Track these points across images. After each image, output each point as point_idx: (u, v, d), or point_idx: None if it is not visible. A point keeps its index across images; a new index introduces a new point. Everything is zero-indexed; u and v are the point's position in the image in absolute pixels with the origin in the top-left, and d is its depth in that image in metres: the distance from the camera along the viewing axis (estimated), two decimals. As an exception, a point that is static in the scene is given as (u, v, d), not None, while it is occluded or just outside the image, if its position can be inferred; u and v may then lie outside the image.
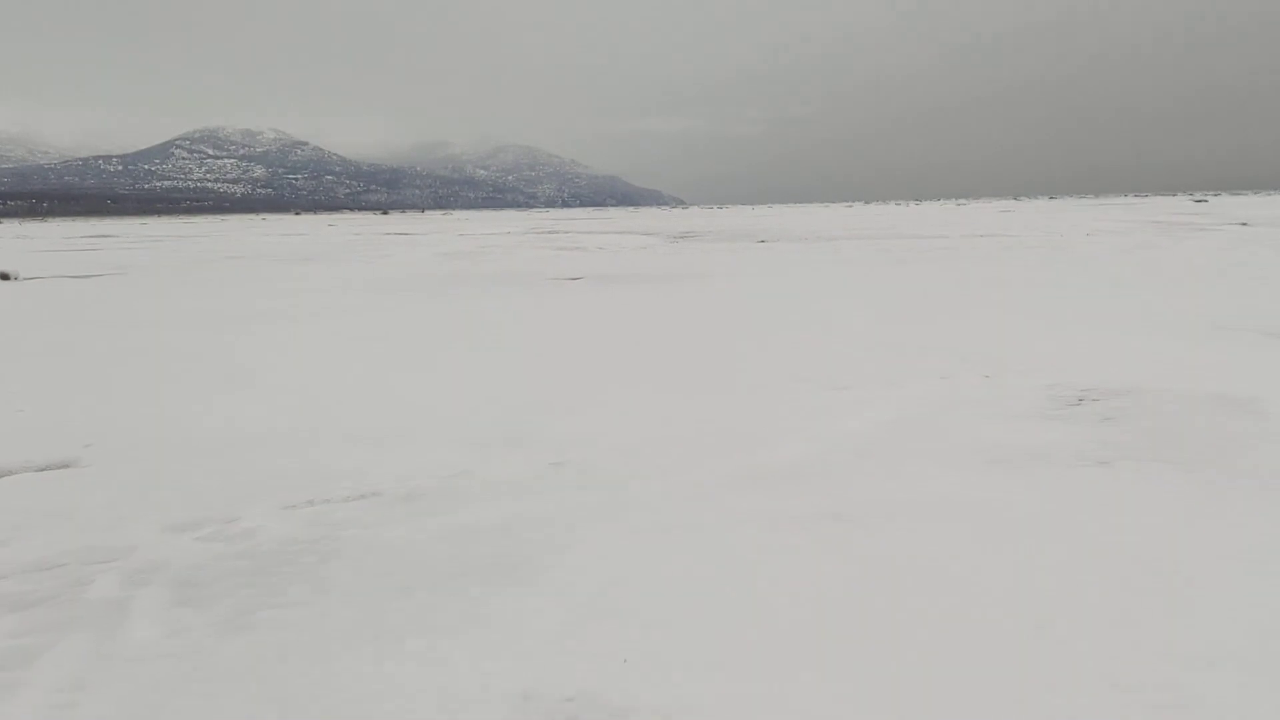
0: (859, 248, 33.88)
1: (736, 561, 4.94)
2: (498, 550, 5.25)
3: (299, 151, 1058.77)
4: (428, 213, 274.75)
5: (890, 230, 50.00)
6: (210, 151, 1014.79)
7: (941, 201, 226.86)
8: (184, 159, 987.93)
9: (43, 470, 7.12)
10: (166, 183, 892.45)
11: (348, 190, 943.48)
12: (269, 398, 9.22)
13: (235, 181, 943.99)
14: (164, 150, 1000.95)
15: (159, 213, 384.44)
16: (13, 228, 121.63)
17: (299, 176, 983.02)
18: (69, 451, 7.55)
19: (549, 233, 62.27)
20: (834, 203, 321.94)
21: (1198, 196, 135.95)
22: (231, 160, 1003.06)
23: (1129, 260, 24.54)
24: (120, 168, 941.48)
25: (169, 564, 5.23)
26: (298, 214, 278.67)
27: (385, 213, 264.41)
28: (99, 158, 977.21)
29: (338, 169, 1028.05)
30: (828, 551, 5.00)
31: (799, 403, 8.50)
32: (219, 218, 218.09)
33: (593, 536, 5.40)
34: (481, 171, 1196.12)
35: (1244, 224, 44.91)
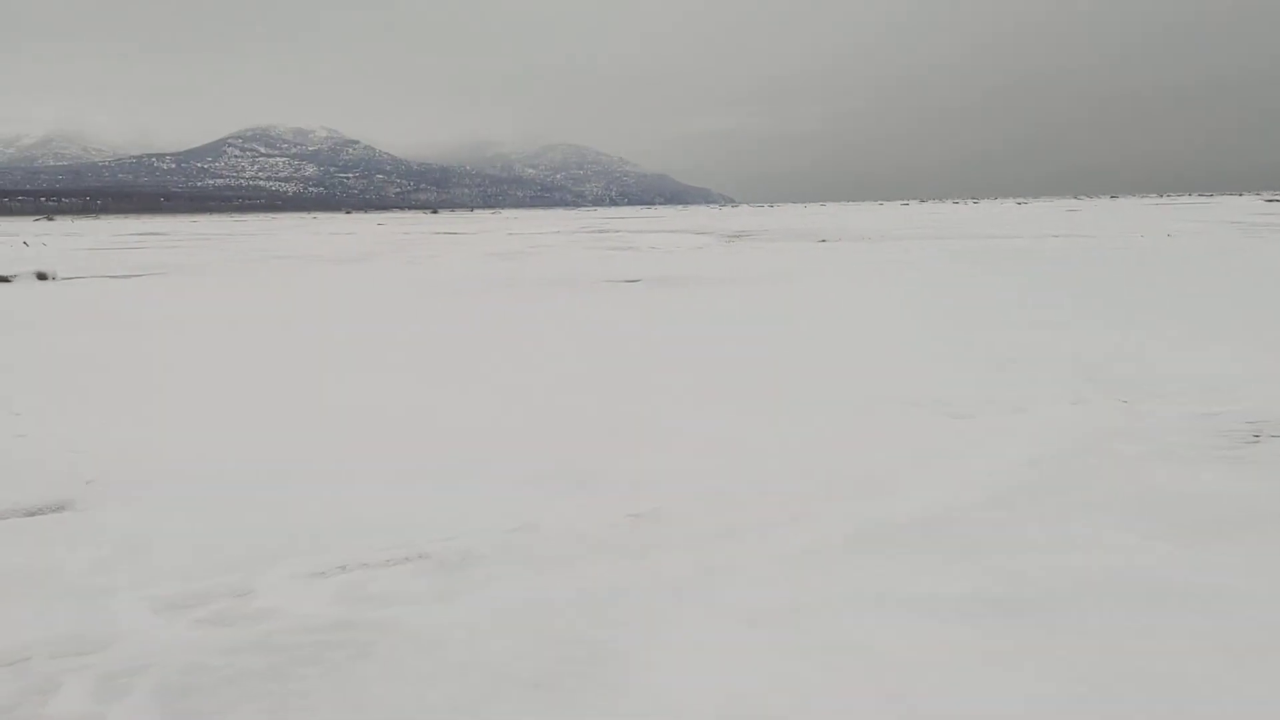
0: (930, 248, 32.39)
1: (890, 677, 3.71)
2: (576, 645, 4.08)
3: (350, 150, 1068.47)
4: (476, 211, 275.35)
5: (957, 229, 48.31)
6: (262, 150, 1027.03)
7: (1000, 200, 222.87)
8: (236, 157, 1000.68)
9: (32, 515, 6.05)
10: (219, 181, 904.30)
11: (398, 189, 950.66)
12: (296, 421, 8.11)
13: (287, 180, 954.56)
14: (216, 148, 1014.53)
15: (211, 211, 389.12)
16: (65, 225, 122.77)
17: (350, 175, 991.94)
18: (67, 489, 6.48)
19: (599, 231, 61.21)
20: (888, 201, 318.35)
21: (1268, 197, 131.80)
22: (283, 159, 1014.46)
23: (1227, 262, 22.88)
24: (173, 166, 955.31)
25: (158, 661, 4.10)
26: (348, 213, 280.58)
27: (434, 211, 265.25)
28: (152, 156, 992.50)
29: (388, 168, 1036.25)
30: (1019, 666, 3.76)
31: (914, 433, 7.24)
32: (270, 216, 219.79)
33: (694, 624, 4.21)
34: (530, 170, 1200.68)
35: (1328, 223, 42.78)
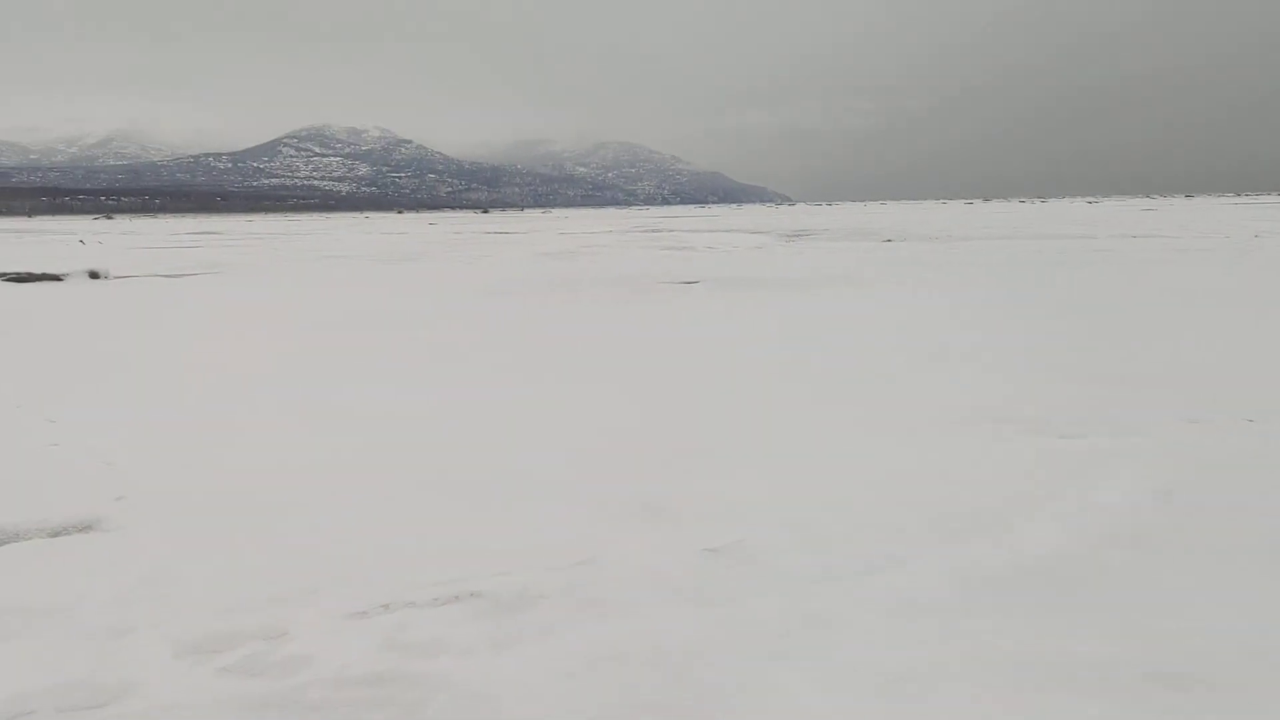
0: (1002, 249, 31.39)
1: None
2: (655, 715, 3.48)
3: (403, 150, 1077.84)
4: (526, 211, 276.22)
5: (1027, 229, 47.05)
6: (317, 149, 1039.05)
7: (1069, 199, 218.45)
8: (291, 157, 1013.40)
9: (56, 535, 5.57)
10: (274, 180, 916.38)
11: (449, 188, 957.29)
12: (341, 437, 7.57)
13: (341, 179, 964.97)
14: (272, 148, 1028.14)
15: (266, 210, 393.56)
16: (122, 223, 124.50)
17: (402, 175, 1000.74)
18: (96, 506, 6.00)
19: (652, 231, 60.58)
20: (949, 200, 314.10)
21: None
22: (337, 158, 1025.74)
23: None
24: (229, 165, 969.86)
25: (173, 722, 3.57)
26: (400, 212, 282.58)
27: (485, 211, 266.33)
28: (209, 155, 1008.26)
29: (440, 167, 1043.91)
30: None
31: (1020, 458, 6.54)
32: (324, 215, 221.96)
33: (792, 690, 3.59)
34: (581, 169, 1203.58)
35: None
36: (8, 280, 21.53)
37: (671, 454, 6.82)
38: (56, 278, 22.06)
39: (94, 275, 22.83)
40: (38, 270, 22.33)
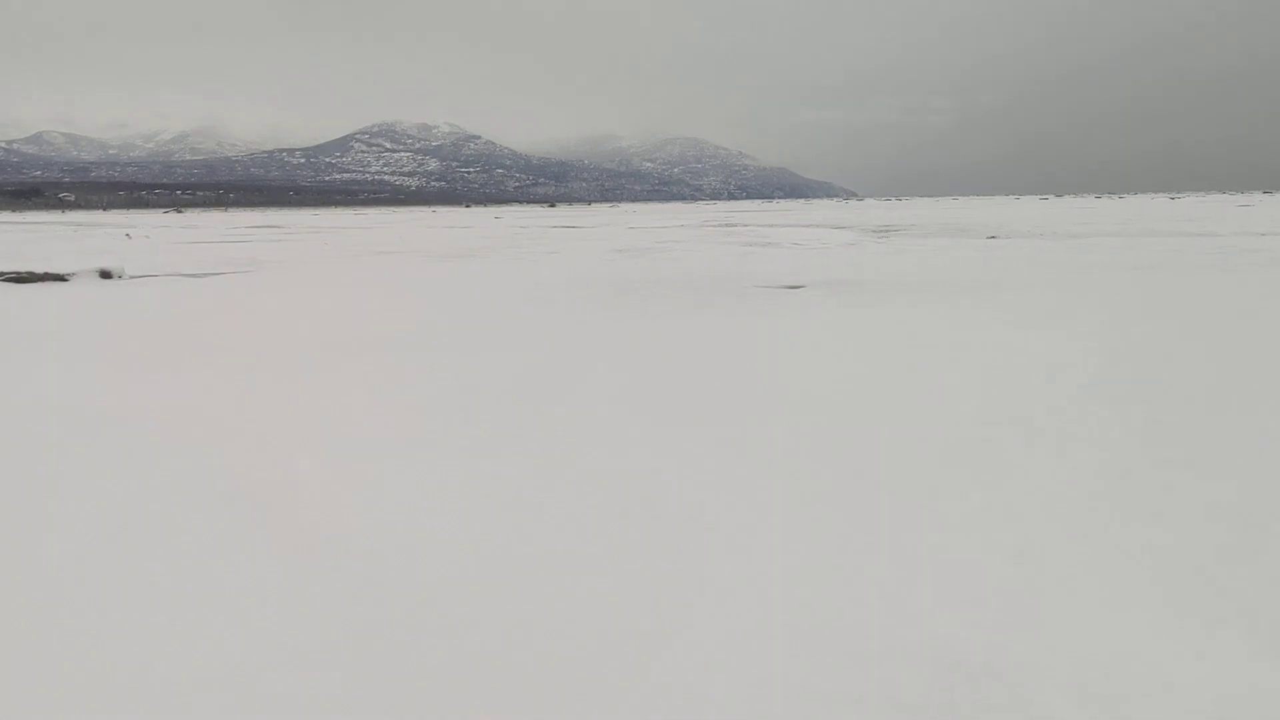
0: (1128, 247, 27.45)
1: None
2: None
3: (471, 145, 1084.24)
4: (594, 205, 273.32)
5: (1133, 225, 42.74)
6: (387, 145, 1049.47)
7: (1151, 195, 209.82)
8: (363, 152, 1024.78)
9: None
10: (345, 175, 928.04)
11: (517, 183, 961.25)
12: (314, 539, 4.32)
13: (411, 174, 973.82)
14: (344, 144, 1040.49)
15: (337, 204, 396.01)
16: (190, 217, 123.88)
17: (471, 170, 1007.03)
18: None
19: (726, 226, 57.11)
20: (1020, 195, 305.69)
21: None
22: (407, 154, 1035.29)
23: None
24: (302, 160, 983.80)
25: None
26: (467, 206, 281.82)
27: (552, 205, 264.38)
28: (282, 150, 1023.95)
29: (508, 162, 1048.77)
30: None
31: None
32: (391, 209, 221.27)
33: None
34: (647, 164, 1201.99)
35: None
36: (6, 280, 18.79)
37: (839, 571, 3.43)
38: (61, 277, 19.26)
39: (106, 275, 20.01)
40: (40, 270, 19.53)
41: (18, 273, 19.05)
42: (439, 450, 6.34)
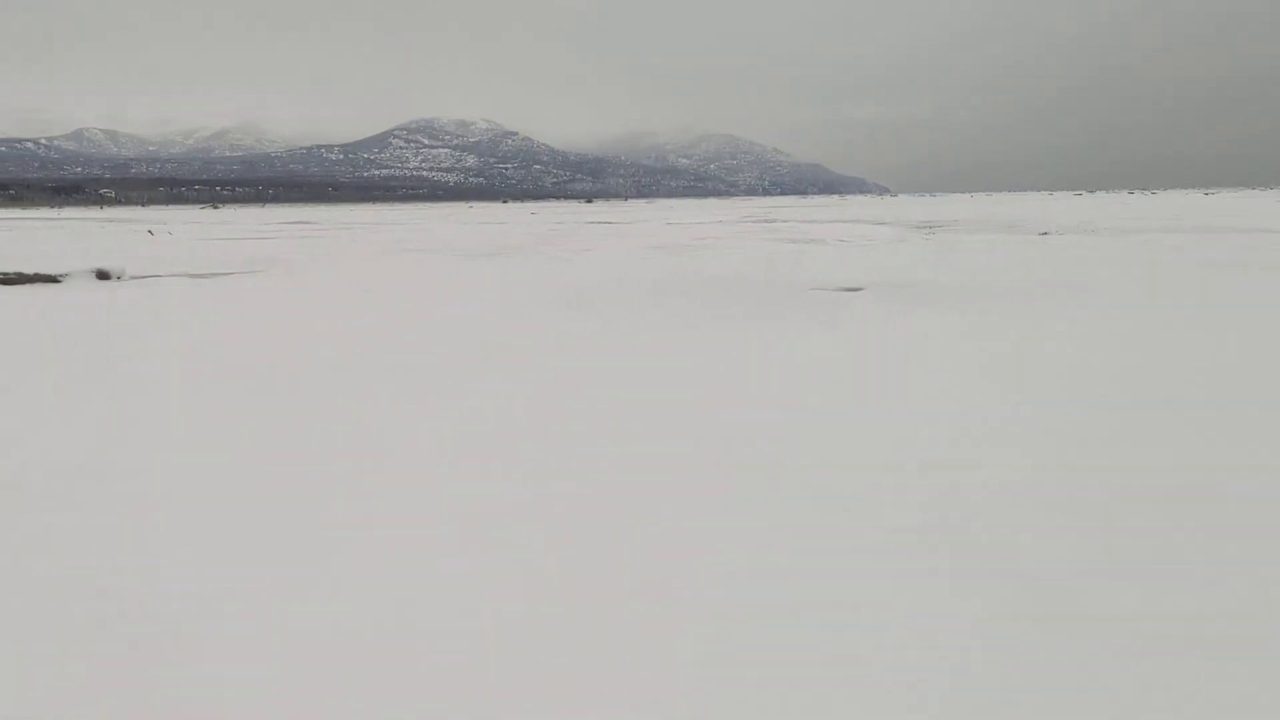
0: (1191, 244, 25.33)
1: None
2: None
3: (509, 141, 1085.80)
4: (630, 201, 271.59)
5: (1188, 222, 40.37)
6: (425, 141, 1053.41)
7: (1183, 191, 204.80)
8: (401, 148, 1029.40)
9: None
10: (384, 171, 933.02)
11: (554, 179, 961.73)
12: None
13: (449, 170, 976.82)
14: (382, 140, 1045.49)
15: (375, 200, 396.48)
16: (225, 213, 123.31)
17: (508, 166, 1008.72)
18: None
19: (765, 221, 55.21)
20: (1053, 191, 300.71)
21: None
22: (445, 150, 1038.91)
23: None
24: (341, 156, 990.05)
25: None
26: (505, 202, 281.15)
27: (589, 201, 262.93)
28: (321, 147, 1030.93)
29: (545, 158, 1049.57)
30: None
31: None
32: (428, 205, 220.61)
33: None
34: (684, 160, 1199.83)
35: None
36: (-6, 282, 17.37)
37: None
38: (53, 279, 17.83)
39: (103, 276, 18.56)
40: (31, 271, 18.09)
41: (4, 274, 17.62)
42: (436, 536, 4.68)
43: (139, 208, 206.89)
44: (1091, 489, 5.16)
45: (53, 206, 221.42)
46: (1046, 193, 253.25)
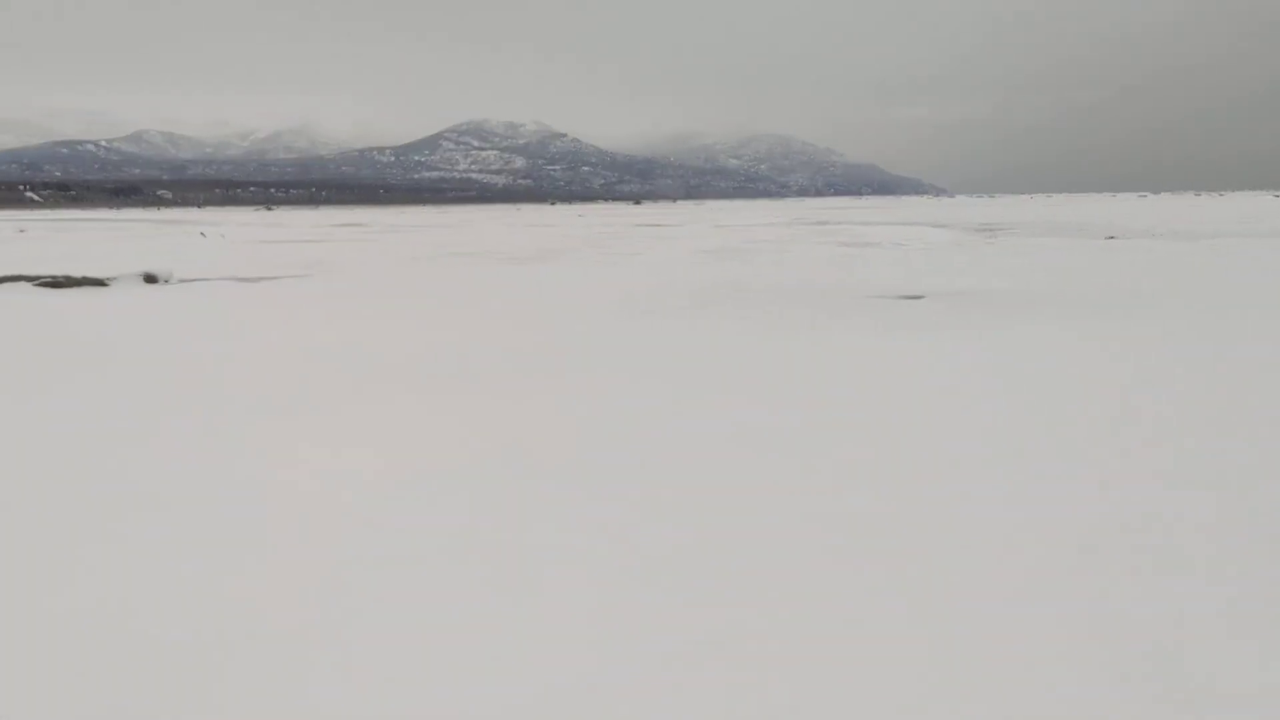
0: (1272, 249, 24.45)
1: None
2: None
3: (558, 143, 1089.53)
4: (679, 203, 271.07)
5: (1263, 225, 39.15)
6: (475, 143, 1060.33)
7: (1251, 193, 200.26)
8: (451, 150, 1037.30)
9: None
10: (434, 173, 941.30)
11: (603, 181, 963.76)
12: None
13: (498, 172, 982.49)
14: (432, 142, 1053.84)
15: (425, 202, 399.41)
16: (278, 215, 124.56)
17: (557, 167, 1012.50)
18: None
19: (818, 224, 54.54)
20: (1115, 192, 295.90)
21: None
22: (494, 152, 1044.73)
23: None
24: (392, 159, 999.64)
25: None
26: (553, 204, 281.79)
27: (638, 203, 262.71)
28: (372, 149, 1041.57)
29: (594, 160, 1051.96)
30: None
31: None
32: (478, 207, 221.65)
33: None
34: (733, 161, 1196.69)
35: None
36: (42, 285, 17.29)
37: None
38: (101, 282, 17.72)
39: (150, 279, 18.44)
40: (79, 274, 18.02)
41: (54, 277, 17.55)
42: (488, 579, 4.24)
43: (195, 209, 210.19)
44: None
45: (112, 207, 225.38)
46: (1109, 194, 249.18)
